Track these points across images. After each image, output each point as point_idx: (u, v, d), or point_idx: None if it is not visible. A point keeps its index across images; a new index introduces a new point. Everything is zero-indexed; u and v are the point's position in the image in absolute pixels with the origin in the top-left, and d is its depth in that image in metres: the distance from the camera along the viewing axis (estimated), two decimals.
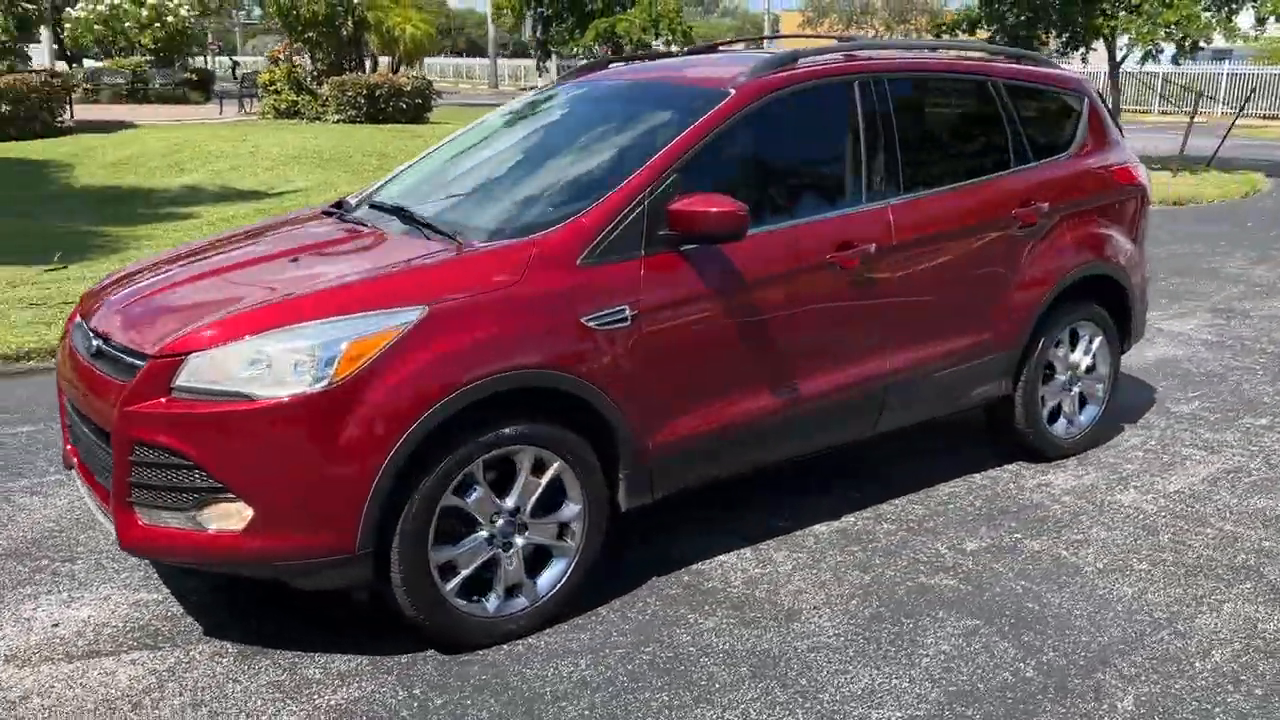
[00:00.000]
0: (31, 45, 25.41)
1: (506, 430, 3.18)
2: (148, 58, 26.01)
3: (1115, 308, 4.98)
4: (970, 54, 5.13)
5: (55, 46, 26.98)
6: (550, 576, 3.41)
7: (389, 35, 23.77)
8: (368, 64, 26.08)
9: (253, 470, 2.94)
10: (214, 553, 3.03)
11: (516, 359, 3.17)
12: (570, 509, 3.39)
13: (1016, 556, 3.93)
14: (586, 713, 2.96)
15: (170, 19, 27.64)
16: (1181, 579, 3.77)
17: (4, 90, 17.15)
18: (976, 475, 4.70)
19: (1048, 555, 3.94)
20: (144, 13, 27.67)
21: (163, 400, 2.96)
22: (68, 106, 18.70)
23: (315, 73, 24.03)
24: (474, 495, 3.19)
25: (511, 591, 3.34)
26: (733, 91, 3.79)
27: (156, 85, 25.69)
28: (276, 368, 2.93)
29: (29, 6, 19.46)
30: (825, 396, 3.94)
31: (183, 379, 2.95)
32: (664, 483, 3.62)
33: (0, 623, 3.38)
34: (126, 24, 27.77)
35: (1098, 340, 4.94)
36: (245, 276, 3.49)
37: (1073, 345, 4.88)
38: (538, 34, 29.97)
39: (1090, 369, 4.97)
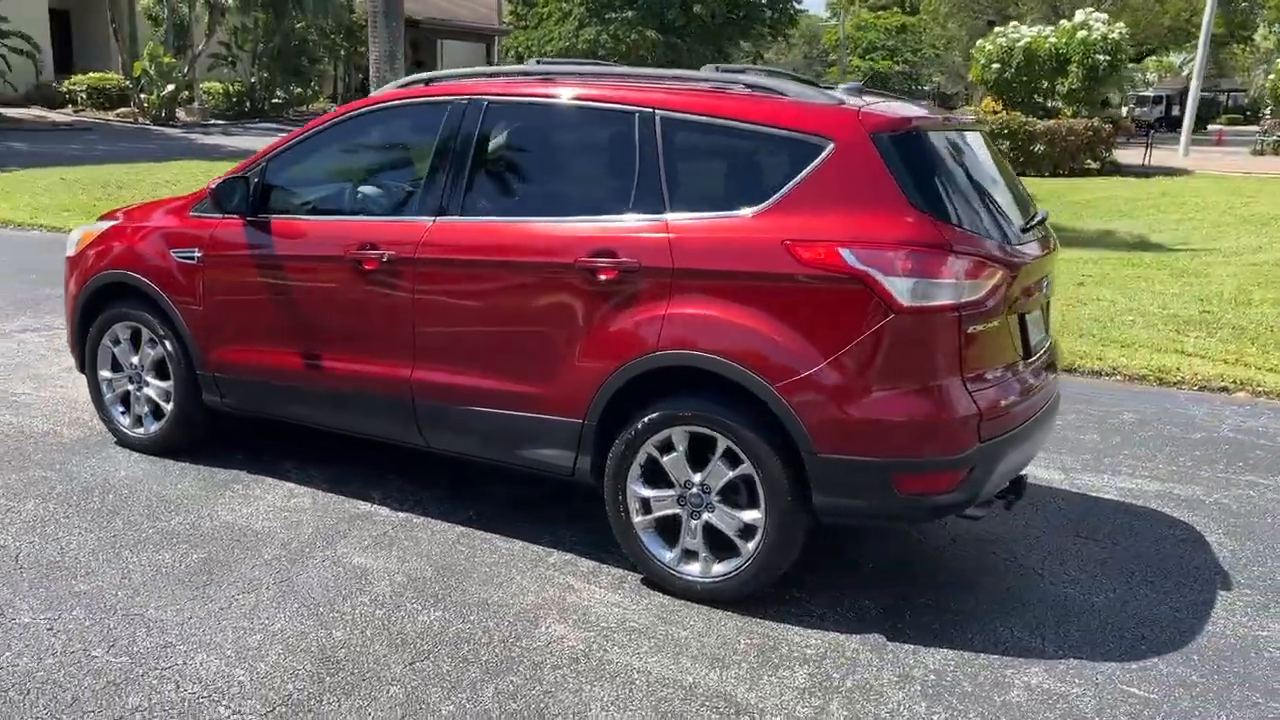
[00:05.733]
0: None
1: (125, 310, 4.94)
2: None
3: (780, 432, 3.52)
4: (640, 81, 3.98)
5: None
6: (157, 423, 5.00)
7: None
8: None
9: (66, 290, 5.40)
10: None
11: (131, 267, 4.88)
12: (168, 384, 4.92)
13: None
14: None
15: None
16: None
17: (1041, 133, 19.08)
18: (570, 579, 4.09)
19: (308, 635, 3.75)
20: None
21: None
22: (1109, 150, 19.58)
23: None
24: (120, 346, 5.05)
25: (139, 420, 5.08)
26: (337, 107, 4.50)
27: None
28: (70, 240, 5.31)
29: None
30: (349, 381, 4.37)
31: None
32: (232, 395, 4.76)
33: None
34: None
35: (744, 466, 3.59)
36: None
37: (698, 456, 3.69)
38: None
39: (728, 499, 3.66)
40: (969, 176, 3.88)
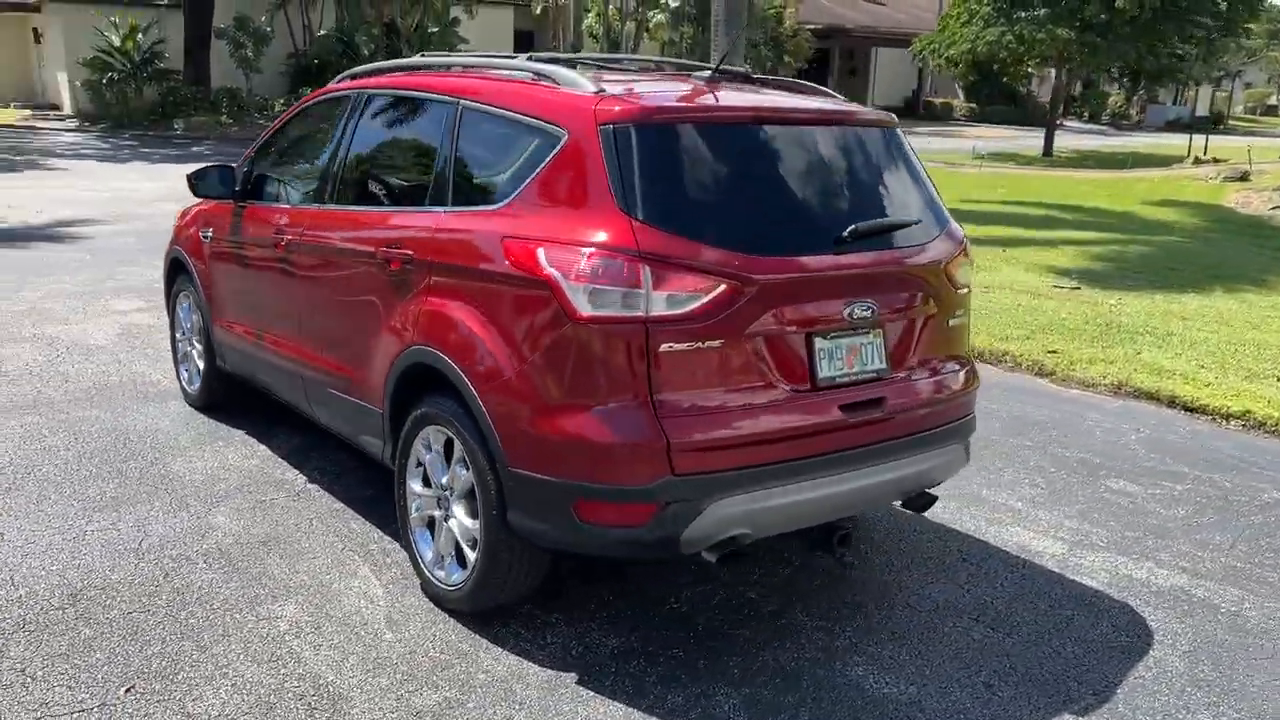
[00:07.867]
0: None
1: (184, 282, 5.68)
2: None
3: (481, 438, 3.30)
4: (474, 68, 3.72)
5: None
6: (199, 382, 5.68)
7: None
8: None
9: None
10: None
11: (180, 244, 5.62)
12: (203, 346, 5.60)
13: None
14: None
15: None
16: None
17: None
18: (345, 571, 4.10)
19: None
20: None
21: None
22: None
23: None
24: (182, 309, 5.80)
25: (190, 379, 5.79)
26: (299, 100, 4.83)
27: None
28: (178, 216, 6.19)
29: None
30: (277, 351, 4.71)
31: None
32: (230, 360, 5.30)
33: None
34: None
35: (470, 473, 3.40)
36: None
37: (446, 457, 3.55)
38: None
39: (464, 507, 3.48)
40: (764, 177, 3.35)
